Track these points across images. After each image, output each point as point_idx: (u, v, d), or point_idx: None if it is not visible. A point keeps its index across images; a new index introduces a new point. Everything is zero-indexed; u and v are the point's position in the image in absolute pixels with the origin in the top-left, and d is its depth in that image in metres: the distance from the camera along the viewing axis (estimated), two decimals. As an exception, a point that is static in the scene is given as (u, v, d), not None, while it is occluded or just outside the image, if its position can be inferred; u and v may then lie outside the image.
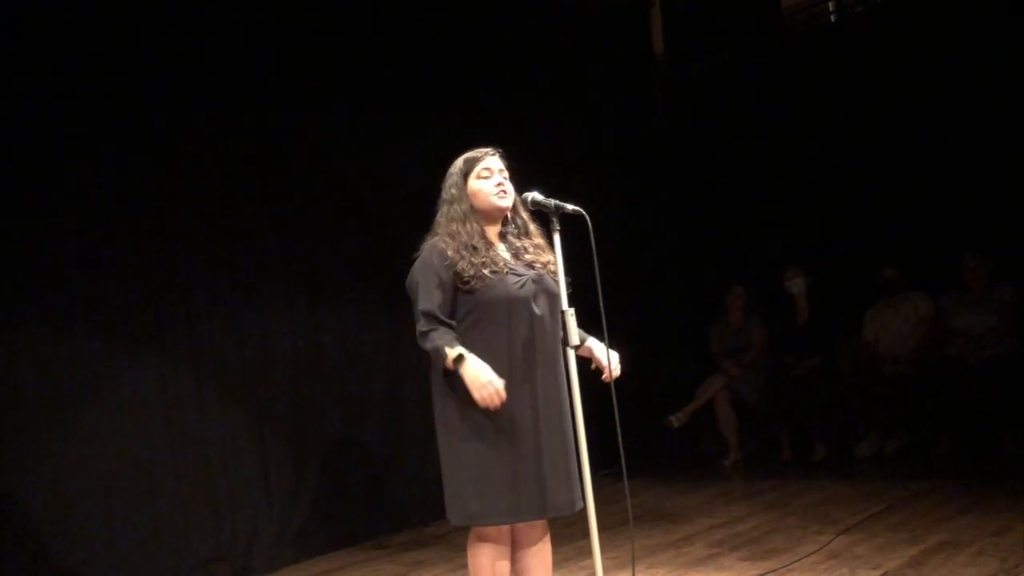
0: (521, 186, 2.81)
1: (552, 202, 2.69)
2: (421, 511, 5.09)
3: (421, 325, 2.65)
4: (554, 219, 2.67)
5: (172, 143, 4.36)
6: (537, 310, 2.68)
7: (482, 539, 2.70)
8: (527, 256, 2.75)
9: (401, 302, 4.96)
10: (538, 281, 2.70)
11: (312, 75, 4.94)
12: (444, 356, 2.58)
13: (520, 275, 2.69)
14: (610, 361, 2.78)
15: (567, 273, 2.67)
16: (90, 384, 4.05)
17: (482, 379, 2.54)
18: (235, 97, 4.62)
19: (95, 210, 4.11)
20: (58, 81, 4.02)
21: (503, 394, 2.55)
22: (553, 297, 2.69)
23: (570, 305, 2.62)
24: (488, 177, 2.75)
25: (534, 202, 2.73)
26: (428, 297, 2.65)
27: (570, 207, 2.66)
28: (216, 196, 4.52)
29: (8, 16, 3.87)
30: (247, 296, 4.65)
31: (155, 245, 4.30)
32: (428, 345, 2.63)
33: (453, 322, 2.66)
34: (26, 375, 3.87)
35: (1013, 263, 5.66)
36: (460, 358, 2.56)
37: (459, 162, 2.81)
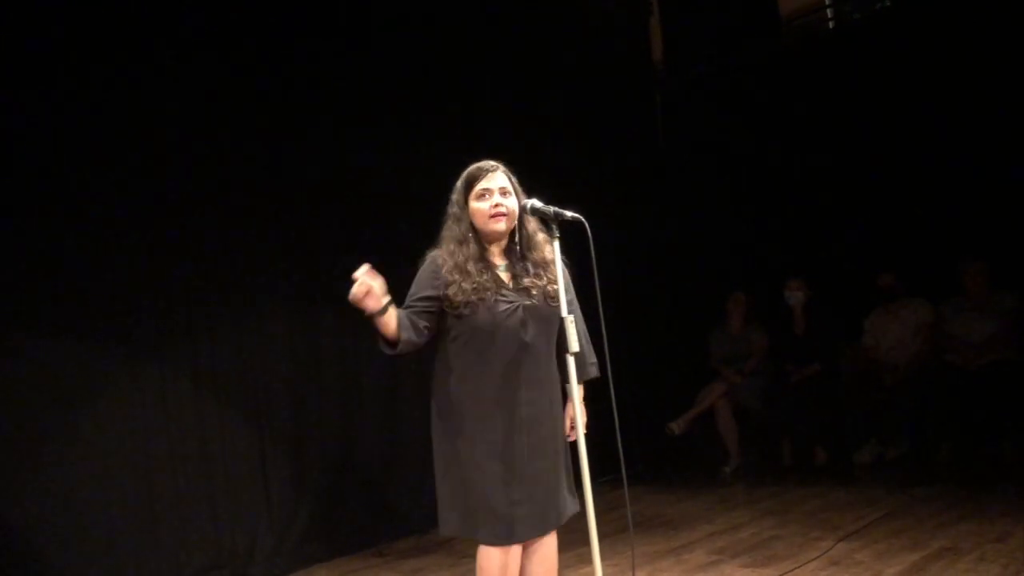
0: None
1: (551, 209, 2.68)
2: (420, 518, 5.07)
3: None
4: (553, 226, 2.66)
5: (171, 150, 4.38)
6: (526, 336, 2.68)
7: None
8: (525, 280, 2.73)
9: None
10: (530, 308, 2.70)
11: (312, 84, 4.96)
12: (378, 326, 2.61)
13: (511, 301, 2.69)
14: (576, 423, 2.71)
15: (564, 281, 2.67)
16: (89, 392, 4.06)
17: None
18: (235, 106, 4.63)
19: (94, 217, 4.12)
20: (58, 88, 4.03)
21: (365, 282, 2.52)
22: (546, 322, 2.69)
23: (569, 312, 2.61)
24: (485, 198, 2.73)
25: (533, 209, 2.72)
26: (409, 302, 2.72)
27: (569, 214, 2.66)
28: (216, 204, 4.53)
29: (12, 21, 3.89)
30: (246, 304, 4.65)
31: (155, 253, 4.31)
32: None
33: (423, 325, 2.68)
34: (25, 383, 3.88)
35: (1013, 269, 5.66)
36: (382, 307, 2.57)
37: (464, 176, 2.80)
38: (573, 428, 2.76)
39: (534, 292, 2.72)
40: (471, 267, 2.69)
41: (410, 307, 2.71)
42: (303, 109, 4.91)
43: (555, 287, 2.65)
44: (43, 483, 3.87)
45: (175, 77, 4.41)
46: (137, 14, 4.28)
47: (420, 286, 2.72)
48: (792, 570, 3.76)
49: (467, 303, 2.65)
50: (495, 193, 2.73)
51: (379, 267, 5.13)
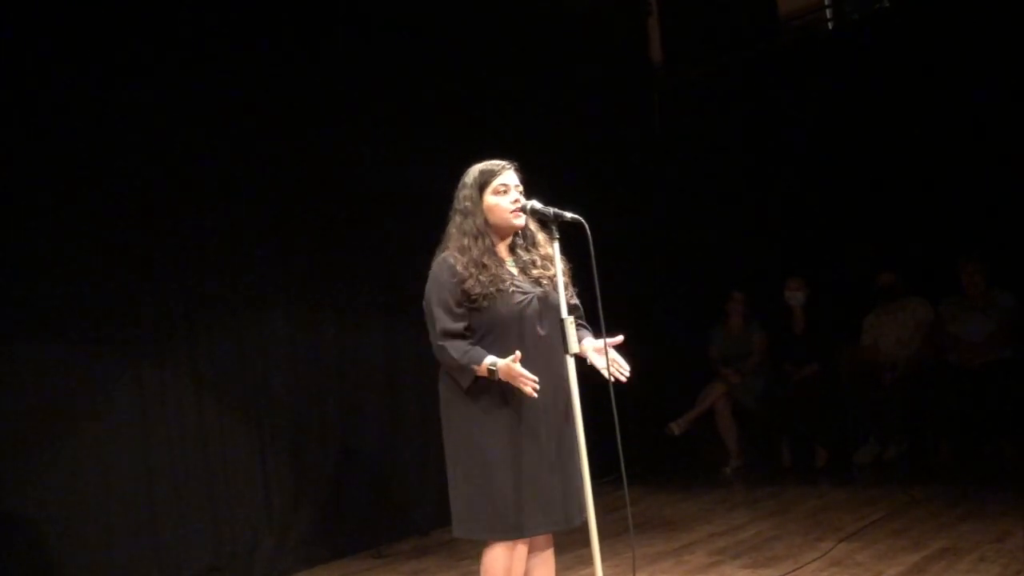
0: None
1: (551, 210, 2.68)
2: (421, 519, 5.07)
3: (439, 339, 2.66)
4: (553, 227, 2.67)
5: (172, 153, 4.37)
6: (540, 329, 2.69)
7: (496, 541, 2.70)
8: (534, 271, 2.75)
9: (399, 312, 5.03)
10: (543, 299, 2.71)
11: (312, 84, 4.95)
12: (473, 372, 2.60)
13: (526, 292, 2.70)
14: (608, 360, 2.67)
15: (566, 282, 2.67)
16: (89, 393, 4.05)
17: (515, 372, 2.55)
18: (236, 108, 4.62)
19: (94, 218, 4.11)
20: (58, 88, 4.02)
21: (532, 377, 2.55)
22: (557, 311, 2.67)
23: (569, 313, 2.61)
24: (505, 193, 2.74)
25: (533, 210, 2.72)
26: (444, 313, 2.66)
27: (569, 215, 2.66)
28: (216, 205, 4.53)
29: (13, 21, 3.88)
30: (246, 307, 4.65)
31: (155, 256, 4.30)
32: (449, 360, 2.64)
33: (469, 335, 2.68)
34: (26, 386, 3.87)
35: (1012, 268, 5.67)
36: (494, 366, 2.58)
37: (474, 173, 2.78)
38: (612, 363, 2.67)
39: (544, 282, 2.73)
40: (487, 260, 2.69)
41: (454, 326, 2.65)
42: (303, 110, 4.89)
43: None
44: (44, 484, 3.85)
45: (176, 78, 4.40)
46: (138, 14, 4.27)
47: (442, 291, 2.67)
48: (792, 571, 3.76)
49: (485, 295, 2.65)
50: (513, 188, 2.75)
51: (378, 267, 5.16)
